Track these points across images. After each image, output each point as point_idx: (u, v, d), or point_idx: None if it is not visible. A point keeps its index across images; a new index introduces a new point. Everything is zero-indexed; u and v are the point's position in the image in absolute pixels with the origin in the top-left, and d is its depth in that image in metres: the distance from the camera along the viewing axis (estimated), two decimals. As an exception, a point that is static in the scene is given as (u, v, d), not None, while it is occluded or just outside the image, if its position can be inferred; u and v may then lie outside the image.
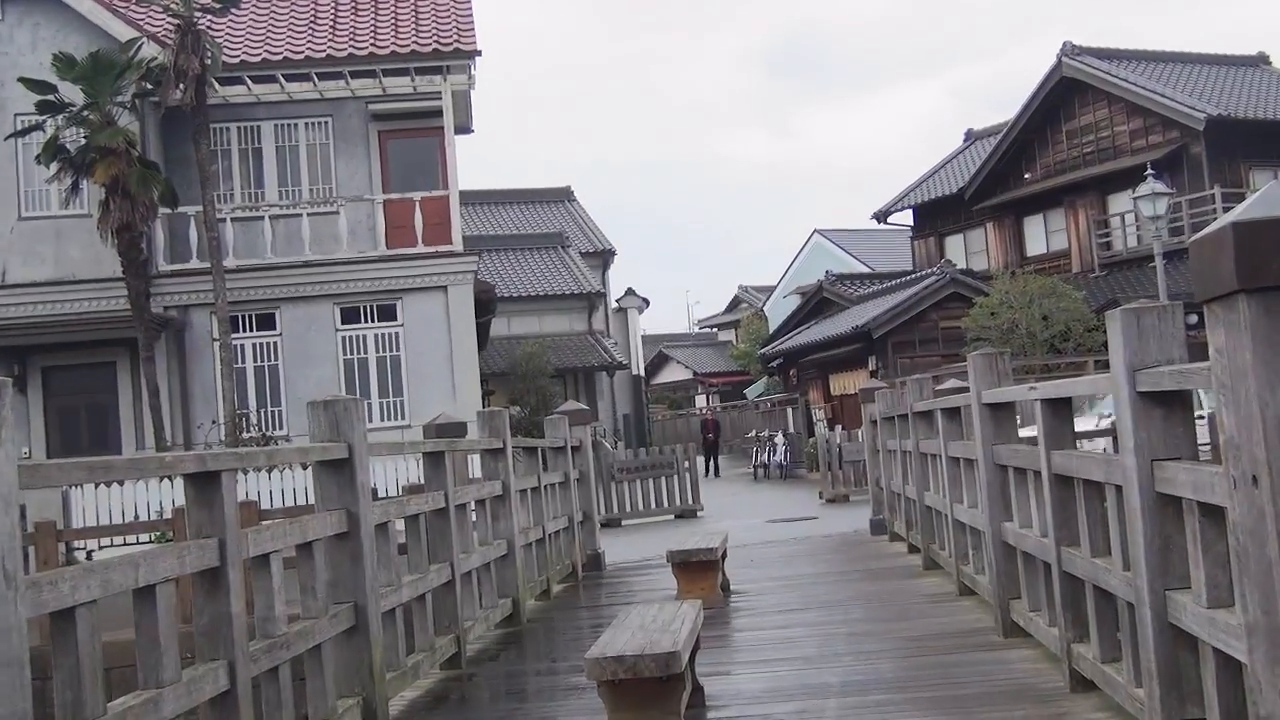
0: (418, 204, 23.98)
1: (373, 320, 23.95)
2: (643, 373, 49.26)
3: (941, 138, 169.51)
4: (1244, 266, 3.15)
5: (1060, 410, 6.35)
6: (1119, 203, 32.82)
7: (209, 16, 23.34)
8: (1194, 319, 7.90)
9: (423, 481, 9.11)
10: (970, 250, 38.51)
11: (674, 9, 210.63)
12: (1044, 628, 7.04)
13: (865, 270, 44.31)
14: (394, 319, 23.96)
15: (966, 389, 8.90)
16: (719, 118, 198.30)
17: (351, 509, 6.48)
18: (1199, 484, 4.12)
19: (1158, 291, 23.90)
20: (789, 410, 39.40)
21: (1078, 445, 6.44)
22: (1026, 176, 36.12)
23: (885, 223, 42.42)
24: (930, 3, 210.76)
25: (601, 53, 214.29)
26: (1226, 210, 23.94)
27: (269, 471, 19.15)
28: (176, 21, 21.60)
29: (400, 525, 7.76)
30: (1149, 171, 25.43)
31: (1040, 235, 36.23)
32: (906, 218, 41.49)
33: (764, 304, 59.30)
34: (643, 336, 54.26)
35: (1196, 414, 5.92)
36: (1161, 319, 4.77)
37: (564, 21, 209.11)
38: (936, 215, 39.79)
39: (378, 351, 23.89)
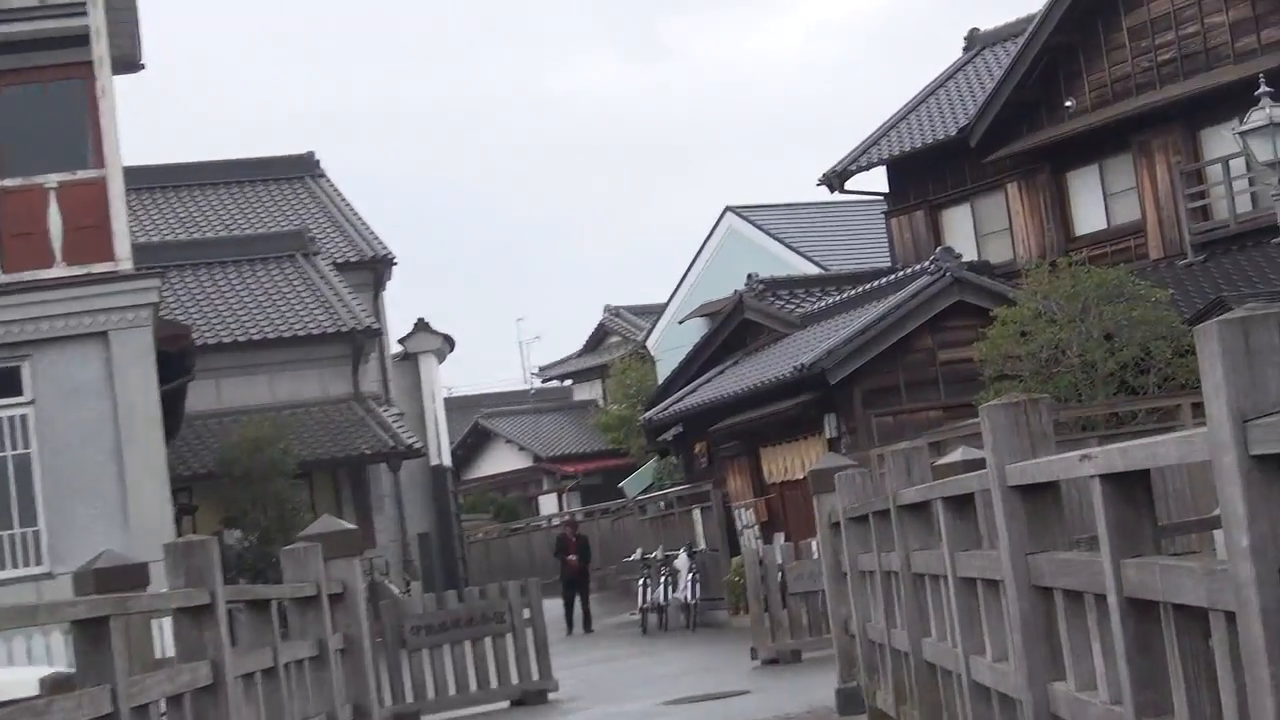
0: (53, 194, 23.70)
1: (-20, 396, 23.58)
2: (449, 462, 49.09)
3: (916, 46, 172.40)
4: None
5: (1134, 492, 6.44)
6: (1220, 142, 33.55)
7: None
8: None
9: (75, 670, 8.95)
10: (983, 230, 39.08)
11: None
12: None
13: (813, 271, 44.72)
14: (16, 393, 23.60)
15: (982, 462, 9.00)
16: (547, 35, 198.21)
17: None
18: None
19: (1288, 285, 24.44)
20: (696, 512, 39.49)
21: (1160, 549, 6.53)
22: (1069, 105, 36.78)
23: (842, 191, 42.88)
24: None
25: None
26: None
27: None
28: None
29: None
30: (1263, 89, 26.03)
31: (1096, 200, 36.89)
32: (876, 181, 42.05)
33: (647, 335, 59.53)
34: (447, 400, 54.10)
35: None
36: (1287, 333, 4.85)
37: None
38: (926, 175, 40.33)
39: (-9, 449, 23.52)
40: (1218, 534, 15.58)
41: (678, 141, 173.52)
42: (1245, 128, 25.11)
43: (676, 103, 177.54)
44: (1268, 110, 24.65)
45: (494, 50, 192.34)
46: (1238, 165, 32.17)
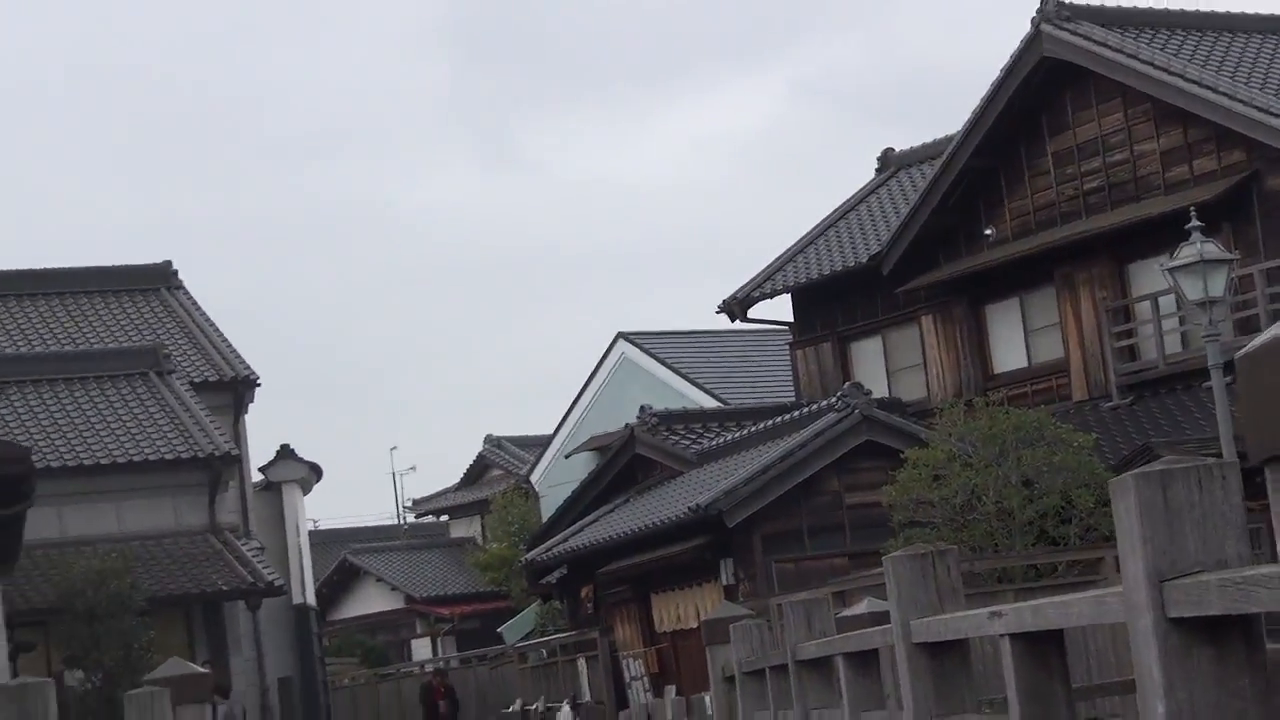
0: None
1: None
2: (314, 601, 48.76)
3: (802, 167, 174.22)
4: None
5: (1046, 653, 6.51)
6: (1147, 276, 33.87)
7: None
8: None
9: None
10: (895, 365, 39.33)
11: None
12: None
13: (711, 404, 44.86)
14: None
15: (887, 615, 9.07)
16: (405, 145, 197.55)
17: None
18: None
19: (1219, 433, 24.66)
20: (581, 662, 39.39)
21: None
22: (988, 234, 37.14)
23: (744, 319, 43.08)
24: None
25: (186, 32, 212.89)
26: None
27: None
28: None
29: None
30: (1194, 223, 26.36)
31: (1016, 336, 37.21)
32: (781, 309, 42.28)
33: (531, 469, 59.51)
34: (313, 533, 53.83)
35: None
36: (1205, 489, 4.93)
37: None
38: (834, 304, 40.58)
39: None
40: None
41: (553, 260, 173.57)
42: (1174, 264, 25.32)
43: (545, 219, 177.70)
44: (1199, 246, 24.85)
45: (341, 159, 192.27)
46: (1167, 303, 32.40)
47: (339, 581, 69.01)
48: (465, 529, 73.05)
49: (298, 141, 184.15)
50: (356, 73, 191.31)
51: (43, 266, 50.15)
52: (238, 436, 44.66)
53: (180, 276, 50.74)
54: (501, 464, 68.90)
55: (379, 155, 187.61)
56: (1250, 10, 38.87)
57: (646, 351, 54.25)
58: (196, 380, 44.71)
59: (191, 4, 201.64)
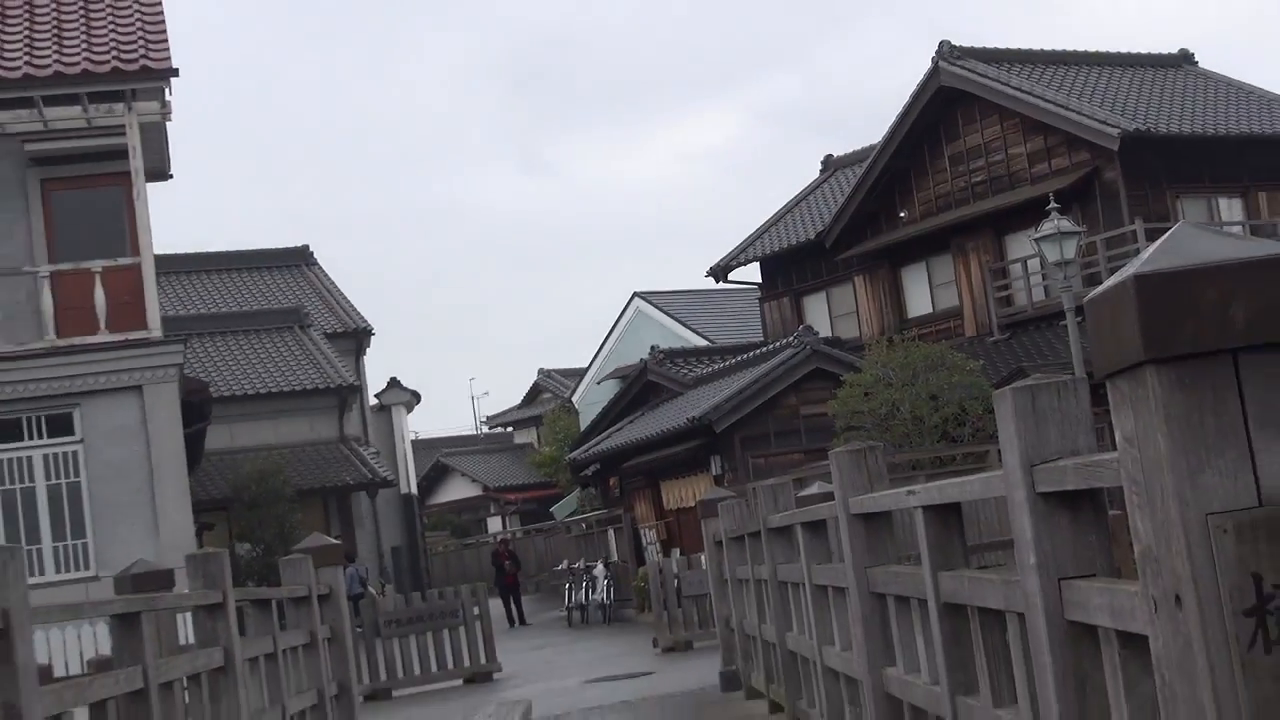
0: (98, 276, 23.52)
1: (40, 436, 23.32)
2: (415, 490, 48.84)
3: (758, 170, 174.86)
4: (1151, 331, 3.18)
5: (948, 519, 6.52)
6: (1019, 245, 33.90)
7: None
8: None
9: (113, 654, 8.87)
10: (836, 313, 39.34)
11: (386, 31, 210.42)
12: (943, 803, 7.16)
13: (702, 344, 44.83)
14: (69, 433, 23.37)
15: (832, 495, 9.06)
16: (468, 154, 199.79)
17: (9, 699, 6.28)
18: (1117, 607, 4.23)
19: (1072, 359, 24.70)
20: (610, 532, 39.47)
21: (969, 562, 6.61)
22: (903, 215, 37.13)
23: (725, 281, 43.06)
24: (706, 9, 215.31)
25: (311, 74, 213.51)
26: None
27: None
28: None
29: (83, 716, 7.53)
30: (1052, 205, 26.35)
31: (923, 290, 37.22)
32: (753, 273, 42.26)
33: (573, 393, 59.50)
34: (414, 442, 53.86)
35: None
36: (1063, 398, 4.92)
37: (254, 42, 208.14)
38: (791, 269, 40.60)
39: (49, 478, 23.25)
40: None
41: (577, 239, 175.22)
42: (1039, 235, 25.35)
43: (569, 210, 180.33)
44: (1056, 222, 24.93)
45: (423, 166, 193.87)
46: (1034, 264, 32.55)
47: (433, 476, 69.07)
48: (525, 437, 73.10)
49: (394, 154, 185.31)
50: (433, 103, 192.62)
51: (216, 250, 50.29)
52: (359, 371, 44.78)
53: (315, 255, 50.82)
54: (550, 389, 68.88)
55: (448, 162, 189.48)
56: (1094, 49, 38.63)
57: (654, 305, 54.11)
58: (328, 331, 44.77)
59: (318, 50, 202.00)
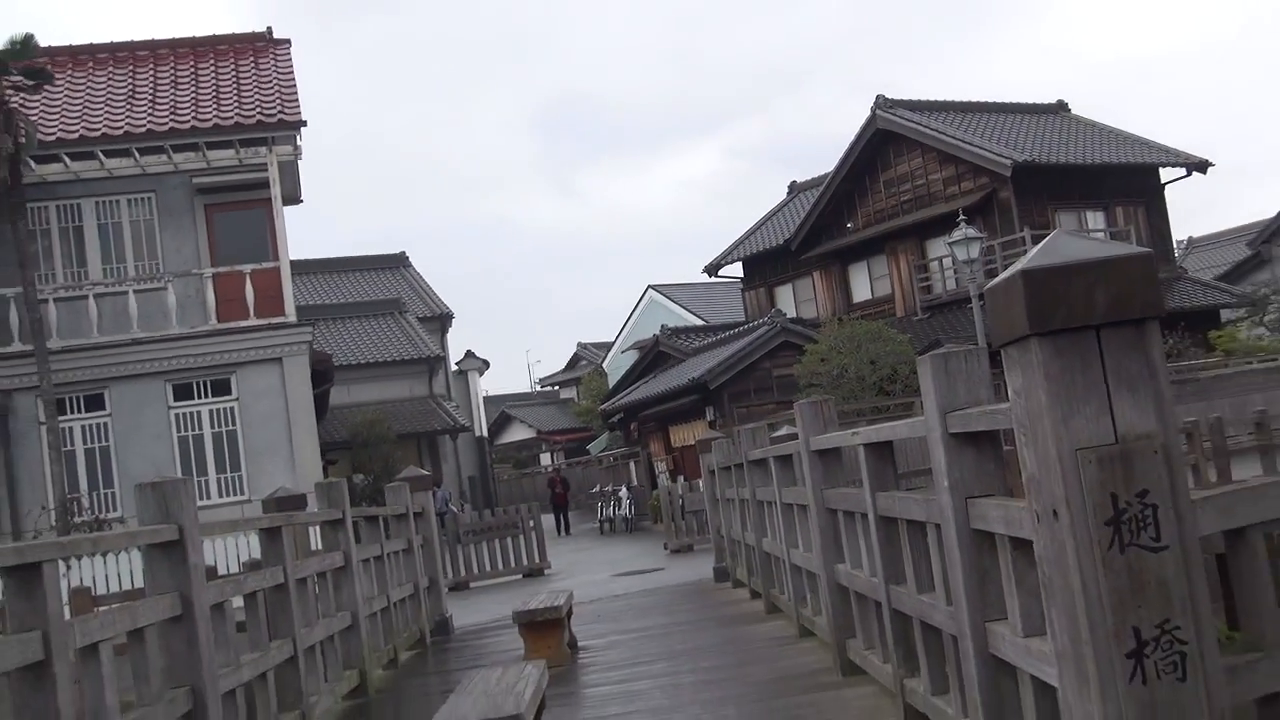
0: (248, 276, 23.57)
1: (206, 395, 23.40)
2: (486, 434, 48.92)
3: (734, 195, 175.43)
4: (1034, 311, 3.27)
5: (883, 453, 6.52)
6: (937, 248, 33.84)
7: (21, 94, 22.69)
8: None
9: (261, 557, 8.91)
10: (799, 299, 39.26)
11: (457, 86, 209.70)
12: (878, 665, 7.17)
13: (700, 323, 44.80)
14: (228, 393, 23.45)
15: (797, 436, 9.06)
16: (518, 182, 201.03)
17: (184, 591, 6.31)
18: (1009, 519, 4.26)
19: (976, 333, 24.65)
20: (632, 464, 39.52)
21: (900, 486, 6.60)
22: (849, 226, 37.02)
23: (716, 276, 43.04)
24: (692, 69, 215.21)
25: (403, 122, 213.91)
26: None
27: (103, 556, 18.49)
28: (-12, 100, 20.95)
29: (239, 603, 7.58)
30: (961, 218, 26.29)
31: (865, 282, 37.14)
32: (737, 270, 42.15)
33: (603, 360, 59.56)
34: (485, 398, 53.91)
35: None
36: (969, 362, 4.93)
37: (363, 99, 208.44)
38: (765, 267, 40.52)
39: (213, 427, 23.34)
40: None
41: (600, 248, 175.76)
42: (952, 239, 25.32)
43: (594, 226, 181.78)
44: (964, 230, 24.89)
45: (479, 194, 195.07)
46: (948, 262, 32.47)
47: (500, 423, 69.10)
48: (568, 393, 72.95)
49: (463, 182, 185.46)
50: (491, 144, 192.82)
51: (336, 256, 50.32)
52: (443, 345, 44.77)
53: (409, 259, 50.80)
54: (587, 357, 68.88)
55: (503, 188, 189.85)
56: (992, 99, 38.44)
57: (664, 294, 54.14)
58: (420, 316, 44.77)
59: (409, 105, 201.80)
